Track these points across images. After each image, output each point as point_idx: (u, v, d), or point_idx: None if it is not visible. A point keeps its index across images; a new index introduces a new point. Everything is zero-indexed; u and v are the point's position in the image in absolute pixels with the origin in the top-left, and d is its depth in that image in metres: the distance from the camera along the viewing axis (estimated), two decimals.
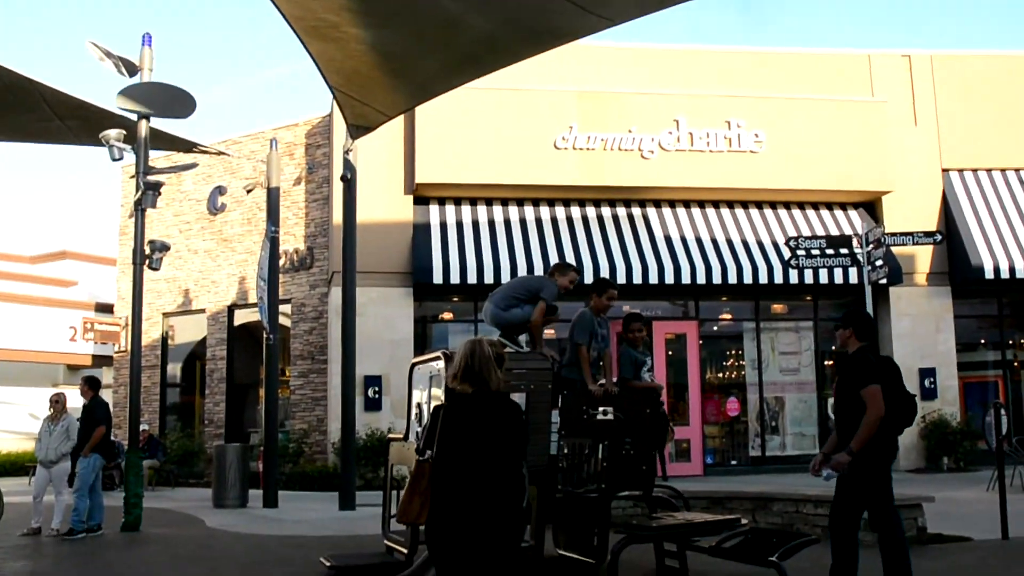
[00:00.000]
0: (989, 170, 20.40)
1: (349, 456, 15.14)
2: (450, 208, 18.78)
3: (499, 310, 8.35)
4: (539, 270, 17.75)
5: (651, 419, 8.51)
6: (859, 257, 14.79)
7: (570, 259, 17.97)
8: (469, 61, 6.04)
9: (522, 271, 17.63)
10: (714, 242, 18.94)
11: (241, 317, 21.44)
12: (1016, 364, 21.25)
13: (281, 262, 18.99)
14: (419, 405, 8.27)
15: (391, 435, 11.14)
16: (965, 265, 19.25)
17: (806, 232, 18.92)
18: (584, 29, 5.12)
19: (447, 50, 5.61)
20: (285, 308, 20.00)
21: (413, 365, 8.67)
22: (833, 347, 19.89)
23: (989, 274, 18.99)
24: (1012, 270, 18.97)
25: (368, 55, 5.58)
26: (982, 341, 21.44)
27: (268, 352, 16.80)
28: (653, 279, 18.20)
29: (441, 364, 7.60)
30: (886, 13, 57.16)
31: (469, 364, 4.79)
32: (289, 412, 20.14)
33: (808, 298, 20.23)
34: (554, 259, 17.99)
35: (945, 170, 20.31)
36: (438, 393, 7.68)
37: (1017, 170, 20.38)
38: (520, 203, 19.00)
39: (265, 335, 16.75)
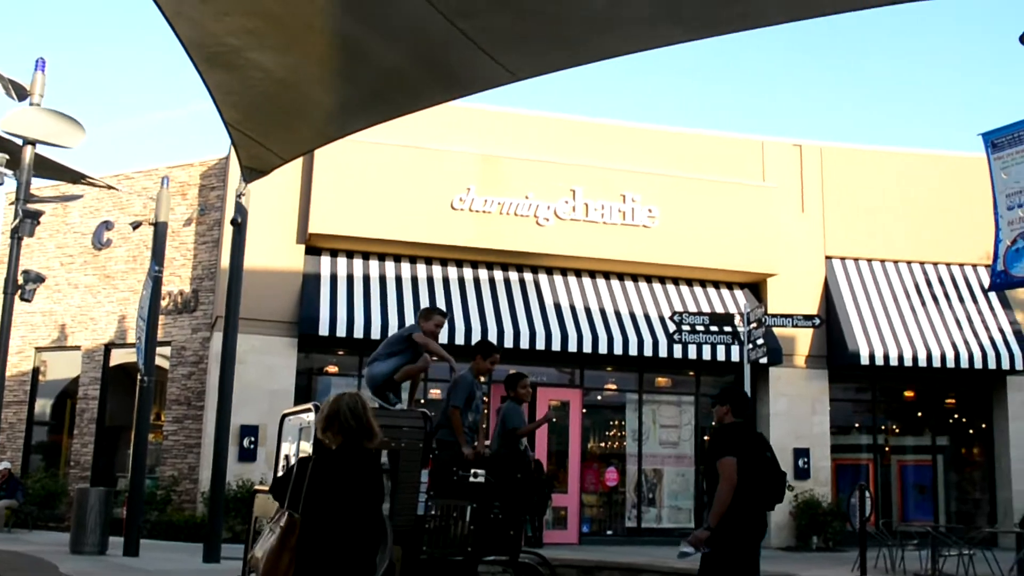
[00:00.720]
0: (869, 260, 21.13)
1: (217, 506, 14.74)
2: (342, 260, 18.64)
3: (369, 368, 8.31)
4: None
5: (525, 484, 8.50)
6: (741, 335, 15.15)
7: (459, 320, 17.99)
8: (376, 100, 5.99)
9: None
10: (602, 312, 19.16)
11: (118, 357, 20.81)
12: (887, 449, 21.86)
13: (165, 303, 18.56)
14: (287, 457, 8.11)
15: (257, 487, 10.89)
16: (842, 350, 19.81)
17: (692, 308, 19.30)
18: (490, 80, 5.13)
19: (350, 85, 5.57)
20: (164, 351, 19.50)
21: (284, 416, 8.52)
22: (712, 422, 20.16)
23: (864, 360, 19.57)
24: (886, 358, 19.59)
25: (268, 86, 5.51)
26: (855, 425, 22.03)
27: (141, 394, 16.32)
28: (540, 345, 18.30)
29: (312, 416, 7.49)
30: (778, 103, 59.31)
31: (337, 417, 4.76)
32: (160, 458, 19.55)
33: (691, 373, 20.56)
34: None
35: (828, 257, 20.96)
36: (306, 447, 7.55)
37: (895, 262, 21.15)
38: (414, 260, 18.96)
39: (139, 377, 16.29)
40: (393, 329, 17.24)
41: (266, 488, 8.96)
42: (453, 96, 6.56)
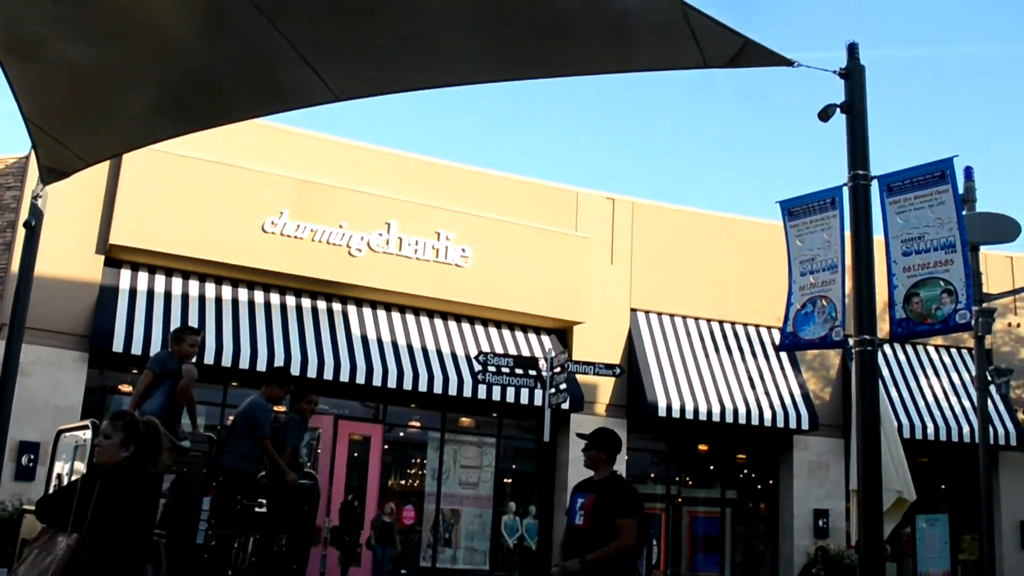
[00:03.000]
0: (672, 315, 21.83)
1: None
2: (144, 275, 17.87)
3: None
4: (228, 352, 17.18)
5: (311, 517, 8.27)
6: (544, 379, 15.32)
7: (262, 346, 17.53)
8: (187, 107, 5.75)
9: (210, 350, 16.99)
10: (410, 348, 19.04)
11: None
12: (679, 500, 22.49)
13: None
14: (59, 476, 7.63)
15: (26, 507, 10.22)
16: (641, 400, 20.29)
17: (500, 350, 19.44)
18: (311, 97, 4.99)
19: (163, 87, 5.31)
20: None
21: (60, 432, 8.03)
22: (514, 465, 20.31)
23: (662, 412, 20.12)
24: (682, 410, 20.21)
25: (74, 82, 5.21)
26: (651, 475, 22.59)
27: None
28: (344, 377, 18.00)
29: (88, 434, 7.08)
30: (593, 156, 61.07)
31: (135, 436, 4.70)
32: None
33: (494, 415, 20.65)
34: (245, 343, 17.48)
35: (633, 309, 21.53)
36: (80, 466, 7.12)
37: (696, 318, 21.92)
38: (219, 281, 18.36)
39: None
40: None
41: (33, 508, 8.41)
42: (271, 110, 6.39)
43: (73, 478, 7.53)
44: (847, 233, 10.76)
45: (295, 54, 4.24)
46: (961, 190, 12.75)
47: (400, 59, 4.37)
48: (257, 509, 7.65)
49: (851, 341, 10.33)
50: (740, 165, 60.99)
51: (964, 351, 22.85)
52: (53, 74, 5.05)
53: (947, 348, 23.45)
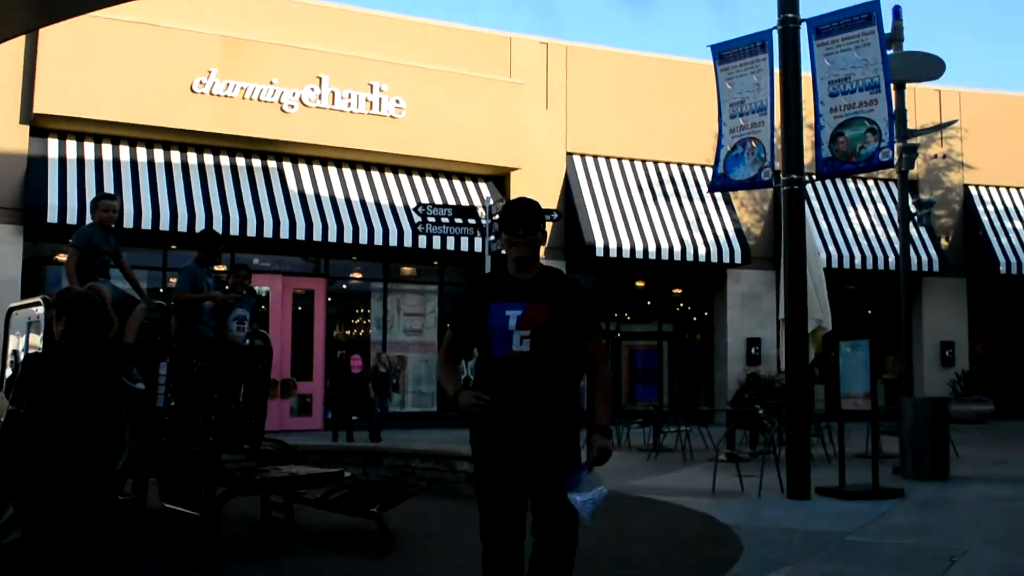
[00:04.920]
0: (608, 157, 22.05)
1: None
2: (72, 143, 17.57)
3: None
4: (165, 216, 17.14)
5: (265, 375, 8.57)
6: (483, 227, 15.58)
7: (199, 208, 17.50)
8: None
9: (147, 215, 16.94)
10: (348, 202, 19.11)
11: None
12: (618, 335, 23.20)
13: None
14: (15, 353, 7.80)
15: None
16: (579, 241, 20.69)
17: (438, 199, 19.59)
18: None
19: None
20: None
21: (10, 310, 8.15)
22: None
23: (599, 252, 20.56)
24: (619, 250, 20.67)
25: None
26: None
27: None
28: (284, 234, 18.08)
29: (41, 310, 7.22)
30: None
31: (67, 308, 4.63)
32: None
33: (435, 263, 20.94)
34: (182, 205, 17.43)
35: (569, 153, 21.71)
36: (36, 341, 7.29)
37: (632, 160, 22.18)
38: (151, 145, 18.12)
39: None
40: (128, 218, 16.63)
41: None
42: None
43: (23, 349, 7.72)
44: (776, 76, 11.01)
45: None
46: (889, 29, 13.03)
47: None
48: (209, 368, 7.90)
49: (780, 180, 10.72)
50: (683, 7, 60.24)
51: (892, 183, 23.41)
52: None
53: (876, 180, 24.03)
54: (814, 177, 12.99)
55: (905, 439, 11.76)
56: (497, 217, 15.69)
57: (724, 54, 11.56)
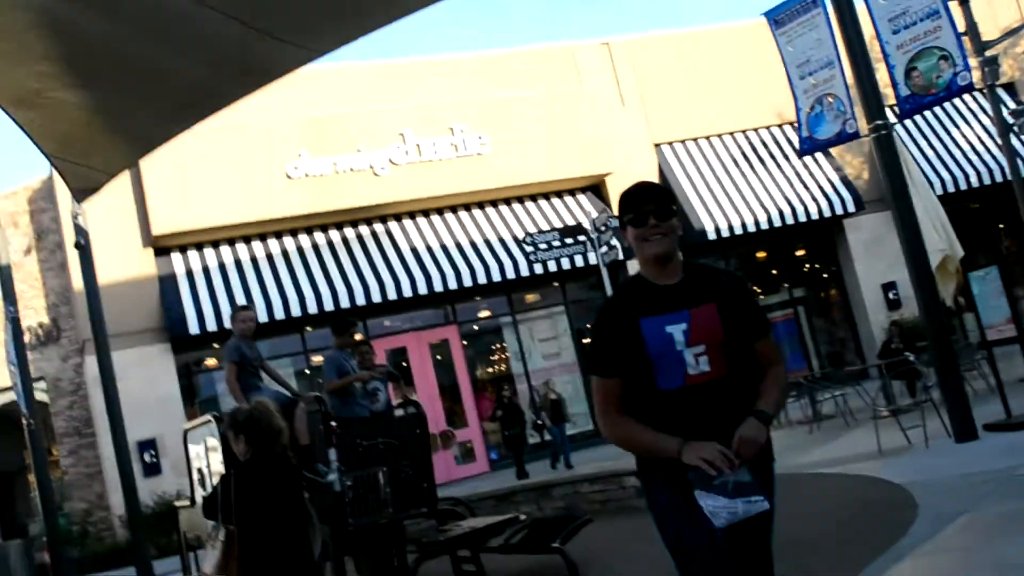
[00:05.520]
0: (696, 139, 22.04)
1: (138, 527, 14.69)
2: (193, 254, 18.51)
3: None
4: (294, 302, 17.88)
5: (423, 438, 8.99)
6: (593, 241, 15.81)
7: (323, 286, 18.19)
8: (184, 109, 6.19)
9: (277, 306, 17.72)
10: (459, 246, 19.55)
11: None
12: None
13: (27, 339, 18.14)
14: (199, 470, 8.38)
15: (177, 503, 11.09)
16: (689, 230, 20.52)
17: (543, 222, 19.88)
18: (291, 63, 5.41)
19: (159, 101, 5.76)
20: (40, 385, 19.08)
21: (186, 431, 8.77)
22: (588, 324, 20.93)
23: (711, 235, 20.56)
24: (730, 228, 20.64)
25: (78, 116, 5.68)
26: None
27: (30, 437, 16.05)
28: (407, 292, 18.63)
29: (213, 427, 7.78)
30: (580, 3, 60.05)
31: (243, 429, 5.13)
32: (65, 493, 19.24)
33: (556, 284, 21.19)
34: (307, 288, 18.14)
35: (657, 145, 21.79)
36: (216, 458, 7.85)
37: (720, 135, 22.13)
38: (263, 238, 18.94)
39: (25, 421, 16.00)
40: (260, 312, 17.39)
41: (186, 504, 9.25)
42: (262, 85, 6.68)
43: (206, 466, 8.29)
44: (835, 27, 11.01)
45: (268, 38, 4.58)
46: None
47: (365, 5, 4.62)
48: (379, 446, 8.35)
49: (865, 129, 10.69)
50: None
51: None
52: (58, 115, 5.51)
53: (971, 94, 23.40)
54: (900, 117, 12.85)
55: None
56: (603, 229, 15.95)
57: (779, 18, 11.63)
